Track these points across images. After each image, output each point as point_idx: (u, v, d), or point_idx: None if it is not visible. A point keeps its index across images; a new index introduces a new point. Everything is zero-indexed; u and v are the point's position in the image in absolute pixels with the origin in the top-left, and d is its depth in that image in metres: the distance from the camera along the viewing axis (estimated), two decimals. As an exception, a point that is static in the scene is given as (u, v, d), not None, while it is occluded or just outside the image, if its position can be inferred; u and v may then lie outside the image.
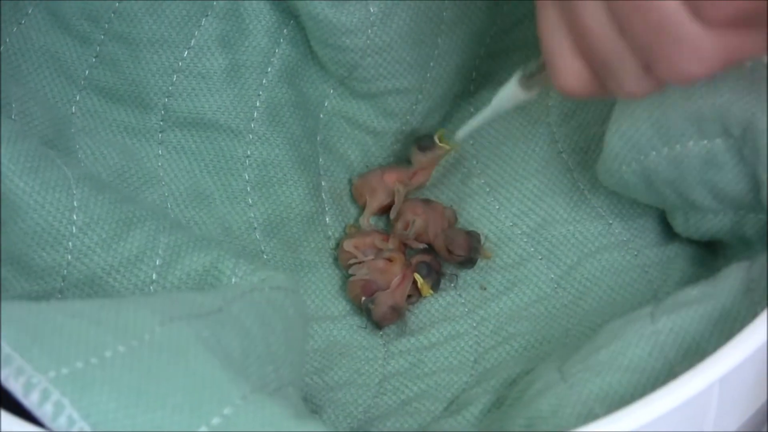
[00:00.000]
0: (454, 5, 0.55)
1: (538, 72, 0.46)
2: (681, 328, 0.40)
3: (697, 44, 0.36)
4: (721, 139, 0.45)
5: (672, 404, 0.34)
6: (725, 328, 0.40)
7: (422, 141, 0.56)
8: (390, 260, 0.54)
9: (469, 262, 0.54)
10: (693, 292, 0.42)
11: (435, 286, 0.54)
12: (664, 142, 0.46)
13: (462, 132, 0.53)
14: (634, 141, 0.47)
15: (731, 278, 0.41)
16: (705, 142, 0.45)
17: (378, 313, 0.53)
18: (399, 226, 0.56)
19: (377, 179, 0.57)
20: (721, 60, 0.37)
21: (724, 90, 0.44)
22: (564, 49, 0.40)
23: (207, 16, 0.54)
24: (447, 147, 0.55)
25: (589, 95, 0.41)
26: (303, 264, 0.56)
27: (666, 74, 0.38)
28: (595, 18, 0.38)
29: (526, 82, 0.47)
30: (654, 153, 0.47)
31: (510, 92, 0.48)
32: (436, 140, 0.55)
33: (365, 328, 0.54)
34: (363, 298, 0.54)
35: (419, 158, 0.56)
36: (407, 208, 0.56)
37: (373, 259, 0.54)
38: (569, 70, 0.40)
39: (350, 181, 0.58)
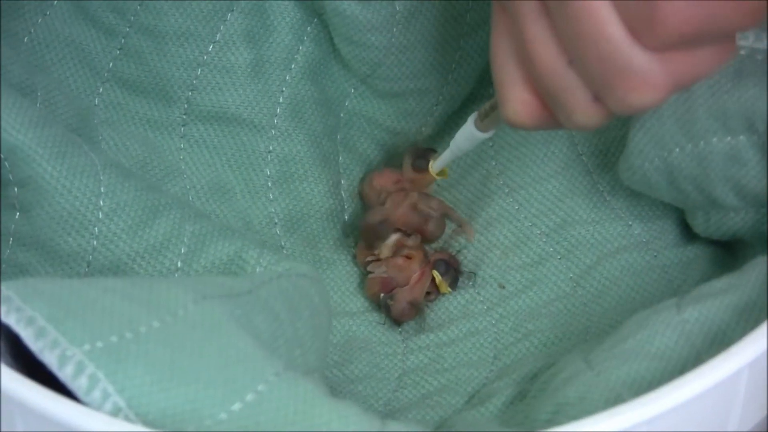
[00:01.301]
0: (478, 7, 0.55)
1: (492, 111, 0.46)
2: (707, 317, 0.40)
3: (645, 73, 0.36)
4: (745, 135, 0.45)
5: (702, 387, 0.34)
6: (751, 318, 0.40)
7: (418, 161, 0.55)
8: (409, 257, 0.54)
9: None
10: (718, 284, 0.42)
11: (453, 284, 0.54)
12: (688, 139, 0.46)
13: (434, 167, 0.53)
14: (658, 137, 0.47)
15: (756, 270, 0.41)
16: (729, 138, 0.46)
17: (397, 309, 0.53)
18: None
19: (368, 186, 0.57)
20: (672, 86, 0.36)
21: (749, 86, 0.44)
22: (514, 79, 0.40)
23: (232, 11, 0.55)
24: (435, 177, 0.54)
25: (538, 127, 0.41)
26: (322, 260, 0.56)
27: (615, 105, 0.37)
28: (545, 48, 0.38)
29: (481, 121, 0.47)
30: (678, 150, 0.47)
31: (467, 133, 0.48)
32: (430, 168, 0.54)
33: (384, 324, 0.54)
34: (381, 295, 0.54)
35: (409, 172, 0.56)
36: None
37: (392, 257, 0.54)
38: (519, 101, 0.40)
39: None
